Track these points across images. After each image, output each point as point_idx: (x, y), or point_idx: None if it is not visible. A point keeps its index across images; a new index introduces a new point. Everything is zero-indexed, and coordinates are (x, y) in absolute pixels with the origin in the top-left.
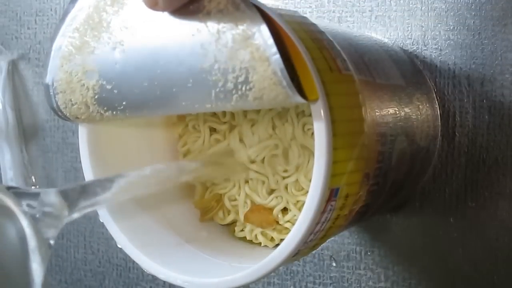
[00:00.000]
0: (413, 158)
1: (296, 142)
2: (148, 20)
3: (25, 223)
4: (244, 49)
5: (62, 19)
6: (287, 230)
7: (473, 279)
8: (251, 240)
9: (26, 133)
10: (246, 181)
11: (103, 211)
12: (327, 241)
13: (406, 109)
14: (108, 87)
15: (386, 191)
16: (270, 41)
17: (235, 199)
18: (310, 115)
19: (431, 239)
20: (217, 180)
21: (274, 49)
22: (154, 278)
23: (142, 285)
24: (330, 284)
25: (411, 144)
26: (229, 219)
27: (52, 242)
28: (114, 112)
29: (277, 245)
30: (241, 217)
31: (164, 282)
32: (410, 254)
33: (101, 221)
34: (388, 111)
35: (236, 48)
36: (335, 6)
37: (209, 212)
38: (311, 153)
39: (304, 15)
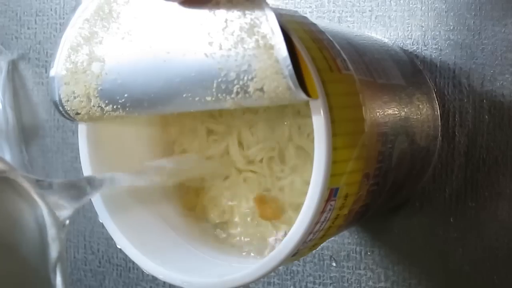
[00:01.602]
0: (413, 158)
1: (292, 143)
2: (157, 10)
3: (45, 211)
4: (250, 37)
5: (74, 10)
6: (282, 231)
7: (473, 279)
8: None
9: (26, 133)
10: (244, 181)
11: (102, 211)
12: (327, 241)
13: (407, 109)
14: (112, 77)
15: (386, 191)
16: (277, 29)
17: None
18: (306, 115)
19: (431, 239)
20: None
21: (279, 37)
22: (154, 278)
23: (142, 285)
24: (330, 284)
25: (411, 144)
26: (224, 219)
27: (67, 222)
28: (115, 106)
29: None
30: (237, 217)
31: (164, 282)
32: (410, 254)
33: (101, 221)
34: (389, 111)
35: (242, 36)
36: (335, 6)
37: (194, 210)
38: (307, 155)
39: (304, 15)
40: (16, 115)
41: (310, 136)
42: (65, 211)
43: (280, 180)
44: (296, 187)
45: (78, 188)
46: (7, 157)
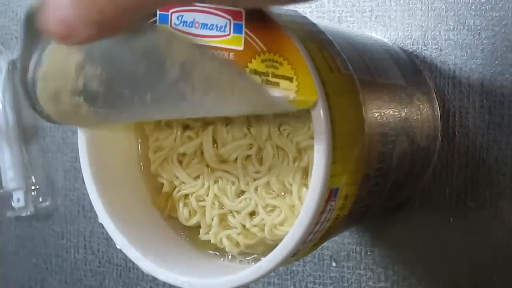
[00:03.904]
0: (414, 158)
1: (271, 142)
2: None
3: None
4: None
5: None
6: (253, 235)
7: (473, 279)
8: (216, 244)
9: (26, 133)
10: (215, 181)
11: (102, 212)
12: (327, 241)
13: (407, 109)
14: (96, 82)
15: (386, 191)
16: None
17: (203, 200)
18: (287, 114)
19: (431, 239)
20: None
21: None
22: (154, 278)
23: (142, 285)
24: (330, 284)
25: (411, 144)
26: (194, 220)
27: None
28: (101, 109)
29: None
30: (208, 219)
31: (164, 282)
32: (410, 254)
33: (101, 221)
34: (389, 111)
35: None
36: (335, 6)
37: (164, 211)
38: (286, 155)
39: (304, 15)
40: (16, 115)
41: (289, 136)
42: None
43: (255, 181)
44: (271, 188)
45: None
46: (7, 157)
